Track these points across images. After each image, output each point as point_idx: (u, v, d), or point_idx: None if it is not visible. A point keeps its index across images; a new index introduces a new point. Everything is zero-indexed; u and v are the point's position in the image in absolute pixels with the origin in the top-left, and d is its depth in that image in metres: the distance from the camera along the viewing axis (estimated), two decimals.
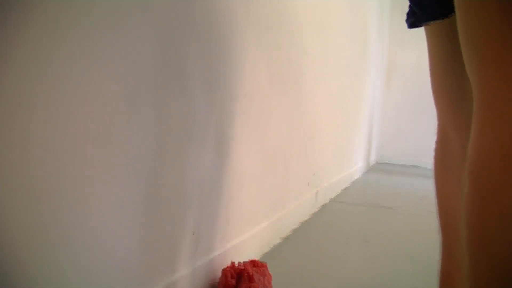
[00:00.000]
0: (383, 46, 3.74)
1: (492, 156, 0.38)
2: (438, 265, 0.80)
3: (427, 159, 3.50)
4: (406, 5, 0.90)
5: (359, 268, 1.21)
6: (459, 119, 0.80)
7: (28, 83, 0.50)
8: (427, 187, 2.16)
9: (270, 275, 0.98)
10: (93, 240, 0.62)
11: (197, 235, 0.90)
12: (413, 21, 0.87)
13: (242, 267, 0.94)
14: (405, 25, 0.89)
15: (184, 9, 0.78)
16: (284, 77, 1.33)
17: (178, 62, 0.78)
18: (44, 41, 0.51)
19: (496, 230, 0.38)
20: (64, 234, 0.57)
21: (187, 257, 0.87)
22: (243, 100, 1.05)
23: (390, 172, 3.49)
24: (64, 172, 0.56)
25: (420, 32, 0.89)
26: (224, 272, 0.93)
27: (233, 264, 0.95)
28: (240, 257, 1.08)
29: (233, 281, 0.92)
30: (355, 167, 2.84)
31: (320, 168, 1.90)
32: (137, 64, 0.67)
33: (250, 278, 0.91)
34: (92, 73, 0.59)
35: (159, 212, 0.76)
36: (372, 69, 3.18)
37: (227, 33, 0.94)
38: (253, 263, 0.98)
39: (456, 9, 0.44)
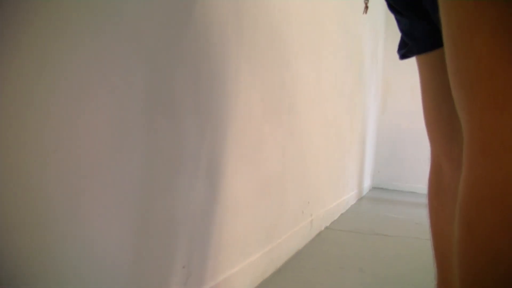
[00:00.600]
0: (378, 70, 3.78)
1: (483, 198, 0.37)
2: None
3: (423, 185, 3.50)
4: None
5: None
6: (452, 151, 0.80)
7: (17, 114, 0.49)
8: (423, 213, 2.14)
9: None
10: (81, 274, 0.59)
11: (188, 269, 0.87)
12: (404, 52, 0.87)
13: None
14: None
15: (175, 36, 0.78)
16: (278, 103, 1.32)
17: (168, 90, 0.77)
18: (33, 72, 0.50)
19: (489, 272, 0.37)
20: (53, 273, 0.54)
21: None
22: (236, 128, 1.05)
23: (386, 198, 3.47)
24: (53, 204, 0.54)
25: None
26: None
27: None
28: None
29: None
30: (351, 194, 2.82)
31: (315, 196, 1.88)
32: (125, 93, 0.66)
33: None
34: (80, 102, 0.58)
35: (148, 246, 0.74)
36: (367, 94, 3.20)
37: (220, 60, 0.94)
38: None
39: (444, 41, 0.44)
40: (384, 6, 3.46)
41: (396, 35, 0.87)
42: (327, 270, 1.43)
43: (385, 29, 3.91)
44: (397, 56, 0.90)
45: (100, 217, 0.63)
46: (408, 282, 1.39)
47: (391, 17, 3.82)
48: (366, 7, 0.78)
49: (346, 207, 2.62)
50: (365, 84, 3.06)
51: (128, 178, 0.68)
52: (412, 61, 0.88)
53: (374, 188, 4.01)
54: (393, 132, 4.17)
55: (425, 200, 0.88)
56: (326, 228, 2.06)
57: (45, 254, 0.55)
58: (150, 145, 0.73)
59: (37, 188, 0.53)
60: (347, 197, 2.67)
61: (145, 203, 0.73)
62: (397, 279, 1.40)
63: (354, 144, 2.85)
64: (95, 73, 0.60)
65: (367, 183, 3.66)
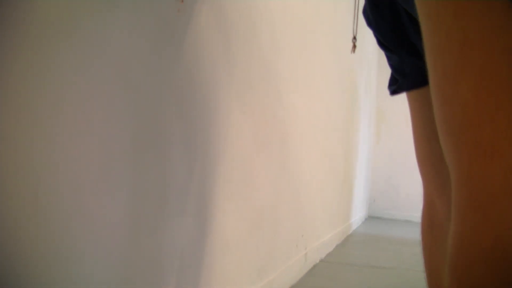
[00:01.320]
0: (371, 99, 3.80)
1: (471, 253, 0.36)
2: None
3: (420, 213, 3.43)
4: None
5: None
6: (445, 187, 0.78)
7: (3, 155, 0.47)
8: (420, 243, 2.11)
9: None
10: None
11: None
12: (395, 88, 0.87)
13: None
14: None
15: (164, 72, 0.77)
16: (270, 136, 1.31)
17: (156, 127, 0.76)
18: (16, 109, 0.49)
19: None
20: None
21: None
22: (226, 163, 1.03)
23: (382, 227, 3.44)
24: (39, 247, 0.52)
25: None
26: None
27: None
28: None
29: None
30: (346, 224, 2.79)
31: (310, 228, 1.86)
32: (112, 129, 0.65)
33: None
34: (65, 139, 0.56)
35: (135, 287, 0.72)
36: (361, 123, 3.20)
37: (210, 95, 0.93)
38: None
39: (431, 88, 0.43)
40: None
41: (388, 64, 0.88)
42: None
43: (378, 58, 3.96)
44: None
45: (86, 259, 0.61)
46: None
47: None
48: (354, 46, 0.78)
49: (341, 237, 2.59)
50: (358, 113, 3.07)
51: (114, 217, 0.66)
52: None
53: (369, 217, 3.97)
54: (388, 161, 4.16)
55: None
56: (321, 261, 2.02)
57: None
58: (136, 183, 0.71)
59: (22, 240, 0.51)
60: (343, 227, 2.64)
61: (131, 243, 0.70)
62: None
63: (349, 174, 2.83)
64: (80, 109, 0.59)
65: (362, 213, 3.63)
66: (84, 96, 0.60)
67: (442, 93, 0.39)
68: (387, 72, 0.91)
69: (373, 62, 3.75)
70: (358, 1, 0.75)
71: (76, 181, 0.59)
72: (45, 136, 0.54)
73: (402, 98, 0.85)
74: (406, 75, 0.83)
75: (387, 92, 0.89)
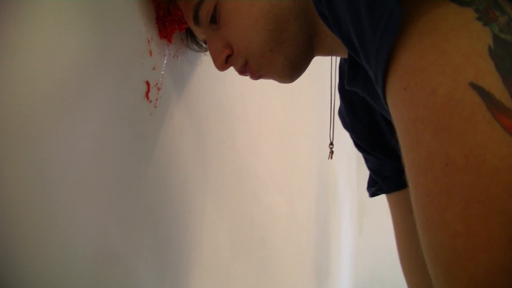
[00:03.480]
0: (352, 190, 3.79)
1: None
2: None
3: None
4: None
5: None
6: None
7: None
8: None
9: None
10: None
11: None
12: (374, 190, 0.84)
13: None
14: None
15: (132, 175, 0.73)
16: (248, 241, 1.25)
17: (120, 235, 0.70)
18: None
19: None
20: None
21: None
22: (200, 273, 0.95)
23: None
24: None
25: None
26: None
27: None
28: None
29: None
30: None
31: None
32: (71, 240, 0.59)
33: None
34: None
35: None
36: (342, 215, 3.15)
37: (182, 199, 0.89)
38: None
39: (413, 208, 0.39)
40: None
41: None
42: None
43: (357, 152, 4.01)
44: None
45: None
46: None
47: None
48: (331, 152, 0.76)
49: None
50: (340, 206, 3.04)
51: None
52: None
53: None
54: (372, 253, 4.05)
55: None
56: None
57: None
58: None
59: None
60: None
61: None
62: None
63: (330, 270, 2.72)
64: (44, 215, 0.53)
65: None
66: (48, 201, 0.54)
67: (426, 217, 0.35)
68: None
69: (352, 153, 3.80)
70: (334, 105, 0.74)
71: None
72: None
73: None
74: (386, 178, 0.81)
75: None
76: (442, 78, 0.34)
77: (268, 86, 0.86)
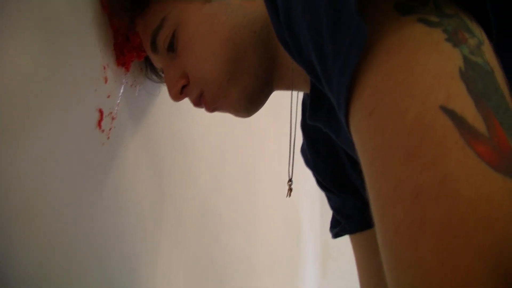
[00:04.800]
0: (316, 233, 3.75)
1: None
2: None
3: None
4: None
5: None
6: None
7: None
8: None
9: None
10: None
11: None
12: (337, 231, 0.81)
13: None
14: None
15: (80, 211, 0.67)
16: (207, 283, 1.18)
17: (63, 279, 0.63)
18: None
19: None
20: None
21: None
22: None
23: None
24: None
25: None
26: None
27: None
28: None
29: None
30: None
31: None
32: (8, 276, 0.52)
33: None
34: None
35: None
36: (306, 258, 3.10)
37: (134, 238, 0.82)
38: None
39: (380, 246, 0.36)
40: None
41: None
42: None
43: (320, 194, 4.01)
44: None
45: None
46: None
47: None
48: (290, 190, 0.73)
49: None
50: (304, 248, 2.99)
51: None
52: None
53: None
54: None
55: None
56: None
57: None
58: None
59: None
60: None
61: None
62: None
63: None
64: None
65: None
66: None
67: (396, 254, 0.31)
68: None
69: (316, 193, 3.78)
70: (294, 141, 0.72)
71: None
72: None
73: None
74: (349, 218, 0.78)
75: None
76: (411, 101, 0.32)
77: (233, 120, 0.83)
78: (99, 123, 0.71)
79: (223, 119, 1.19)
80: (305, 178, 1.23)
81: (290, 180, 0.71)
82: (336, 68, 0.36)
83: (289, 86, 0.65)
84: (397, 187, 0.31)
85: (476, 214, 0.28)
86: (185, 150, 1.06)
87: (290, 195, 0.72)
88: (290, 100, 0.74)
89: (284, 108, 0.84)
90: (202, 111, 0.78)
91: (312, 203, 3.53)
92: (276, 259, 2.10)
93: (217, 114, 0.79)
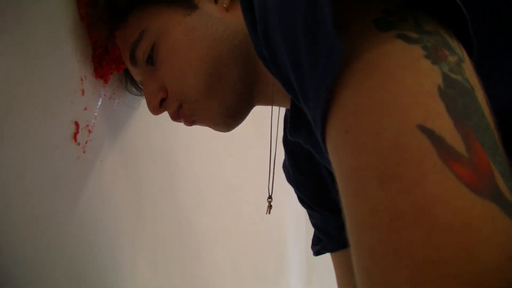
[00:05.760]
0: (301, 247, 3.73)
1: None
2: None
3: None
4: None
5: None
6: None
7: None
8: None
9: None
10: None
11: None
12: (318, 248, 0.79)
13: None
14: None
15: (49, 228, 0.64)
16: None
17: None
18: None
19: None
20: None
21: None
22: None
23: None
24: None
25: None
26: None
27: None
28: None
29: None
30: None
31: None
32: None
33: None
34: None
35: None
36: (291, 273, 3.07)
37: (110, 254, 0.80)
38: None
39: (355, 271, 0.34)
40: None
41: None
42: None
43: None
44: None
45: None
46: None
47: None
48: (269, 207, 0.71)
49: None
50: (289, 263, 2.96)
51: None
52: None
53: None
54: None
55: None
56: None
57: None
58: None
59: None
60: None
61: None
62: None
63: None
64: None
65: None
66: None
67: (370, 281, 0.30)
68: None
69: (301, 208, 3.76)
70: (275, 158, 0.70)
71: None
72: None
73: None
74: (331, 236, 0.76)
75: None
76: (388, 120, 0.30)
77: (216, 135, 0.82)
78: (74, 136, 0.69)
79: (205, 134, 1.18)
80: (290, 192, 1.22)
81: (270, 197, 0.70)
82: (312, 85, 0.35)
83: (270, 101, 0.64)
84: (373, 210, 0.29)
85: (454, 240, 0.26)
86: (165, 166, 1.04)
87: (269, 212, 0.70)
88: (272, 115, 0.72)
89: (268, 123, 0.83)
90: (183, 125, 0.76)
91: (298, 218, 3.50)
92: (261, 274, 2.07)
93: (199, 129, 0.78)
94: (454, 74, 0.32)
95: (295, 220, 3.39)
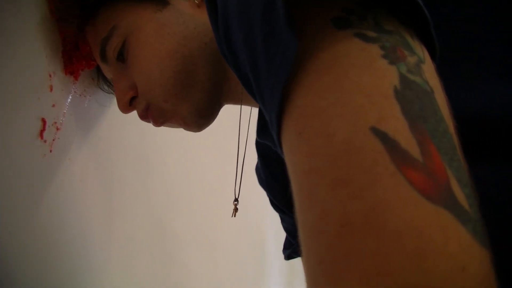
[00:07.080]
0: (282, 255, 3.71)
1: None
2: None
3: None
4: None
5: None
6: None
7: None
8: None
9: None
10: None
11: None
12: (290, 252, 0.79)
13: None
14: None
15: (13, 230, 0.62)
16: None
17: None
18: None
19: None
20: None
21: None
22: None
23: None
24: None
25: None
26: None
27: None
28: None
29: None
30: None
31: None
32: None
33: None
34: None
35: None
36: (272, 280, 3.06)
37: (79, 257, 0.78)
38: None
39: (305, 276, 0.33)
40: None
41: None
42: None
43: None
44: None
45: None
46: None
47: None
48: (235, 209, 0.70)
49: None
50: (269, 268, 2.95)
51: None
52: None
53: None
54: None
55: None
56: None
57: None
58: None
59: None
60: None
61: None
62: None
63: None
64: None
65: None
66: None
67: None
68: None
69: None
70: (243, 159, 0.69)
71: None
72: None
73: None
74: None
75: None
76: (341, 122, 0.29)
77: (191, 135, 0.81)
78: (41, 133, 0.67)
79: (180, 133, 1.16)
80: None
81: (236, 200, 0.69)
82: (268, 86, 0.34)
83: (239, 100, 0.63)
84: (322, 216, 0.28)
85: (404, 249, 0.25)
86: (138, 166, 1.02)
87: (235, 215, 0.69)
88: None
89: (244, 124, 0.82)
90: None
91: (278, 220, 3.49)
92: (240, 279, 2.05)
93: (172, 128, 0.77)
94: (412, 75, 0.31)
95: (275, 222, 3.38)
